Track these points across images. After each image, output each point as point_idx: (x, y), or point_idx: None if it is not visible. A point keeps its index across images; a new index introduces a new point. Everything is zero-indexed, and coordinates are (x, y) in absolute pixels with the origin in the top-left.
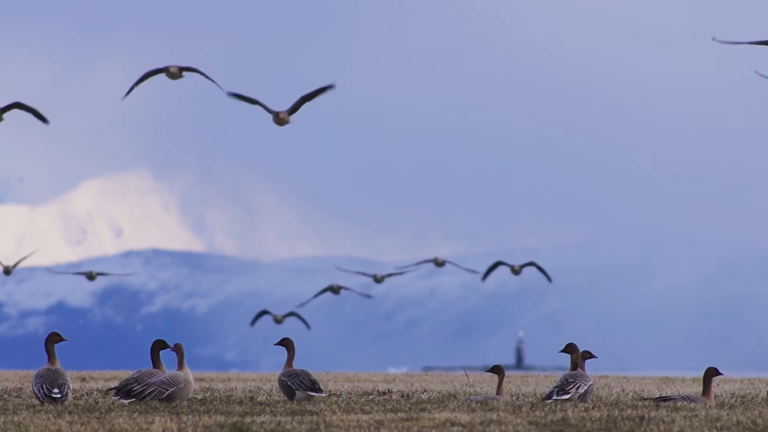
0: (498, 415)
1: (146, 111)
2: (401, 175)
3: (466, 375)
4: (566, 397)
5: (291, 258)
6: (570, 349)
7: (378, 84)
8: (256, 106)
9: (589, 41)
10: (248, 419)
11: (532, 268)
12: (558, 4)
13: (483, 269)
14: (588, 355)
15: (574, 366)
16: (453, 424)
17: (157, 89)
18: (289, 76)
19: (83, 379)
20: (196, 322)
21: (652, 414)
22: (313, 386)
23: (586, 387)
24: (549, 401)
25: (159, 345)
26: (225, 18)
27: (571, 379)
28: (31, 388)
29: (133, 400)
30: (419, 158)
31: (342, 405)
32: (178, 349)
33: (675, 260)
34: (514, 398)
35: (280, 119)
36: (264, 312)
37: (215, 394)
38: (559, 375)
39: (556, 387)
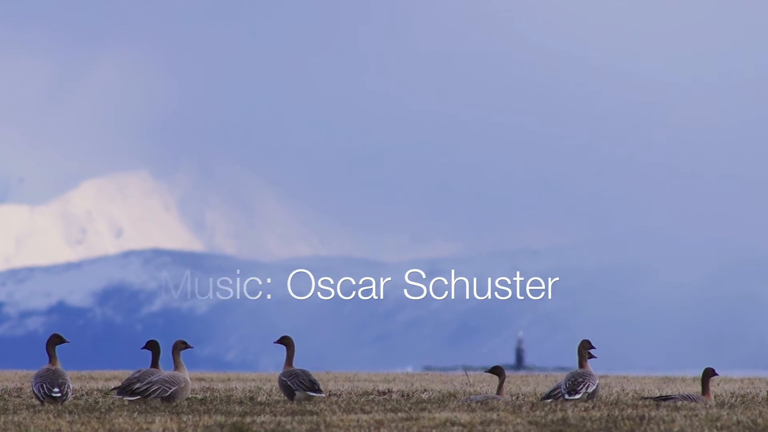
0: (498, 415)
1: (146, 111)
2: (401, 175)
3: (467, 375)
4: (577, 396)
5: (291, 258)
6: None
7: (379, 84)
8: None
9: (591, 40)
10: (248, 419)
11: None
12: (562, 3)
13: (487, 270)
14: (589, 354)
15: (581, 364)
16: (453, 423)
17: (158, 89)
18: (288, 77)
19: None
20: (195, 322)
21: (652, 413)
22: (313, 386)
23: (595, 386)
24: (559, 400)
25: (155, 345)
26: (225, 18)
27: (581, 379)
28: (31, 388)
29: (138, 398)
30: (419, 158)
31: (342, 405)
32: (175, 348)
33: (675, 260)
34: (514, 398)
35: None
36: None
37: (215, 394)
38: (559, 375)
39: (565, 386)
